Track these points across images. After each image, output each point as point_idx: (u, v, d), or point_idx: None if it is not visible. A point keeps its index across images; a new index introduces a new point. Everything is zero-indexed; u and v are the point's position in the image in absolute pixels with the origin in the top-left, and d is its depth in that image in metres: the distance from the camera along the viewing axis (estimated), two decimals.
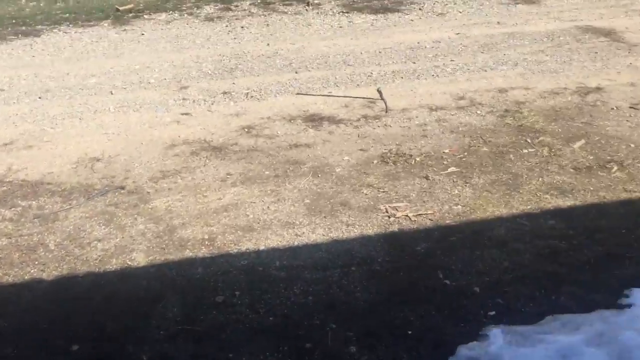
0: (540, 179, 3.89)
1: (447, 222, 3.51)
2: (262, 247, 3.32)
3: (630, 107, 4.81)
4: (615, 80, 5.36)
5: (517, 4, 7.92)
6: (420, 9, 7.79)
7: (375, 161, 4.21)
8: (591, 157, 4.11)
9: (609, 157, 4.10)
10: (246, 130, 4.72)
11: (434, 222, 3.51)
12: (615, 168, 3.96)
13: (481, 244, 3.28)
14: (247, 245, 3.34)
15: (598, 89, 5.19)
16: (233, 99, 5.30)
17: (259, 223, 3.54)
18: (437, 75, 5.66)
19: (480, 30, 6.90)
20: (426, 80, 5.56)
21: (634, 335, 2.35)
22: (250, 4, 8.26)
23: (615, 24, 6.94)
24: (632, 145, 4.23)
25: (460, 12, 7.61)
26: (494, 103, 5.02)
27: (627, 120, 4.61)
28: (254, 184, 3.96)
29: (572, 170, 3.97)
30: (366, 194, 3.81)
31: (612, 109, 4.81)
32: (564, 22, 7.08)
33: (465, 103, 5.05)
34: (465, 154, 4.25)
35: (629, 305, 2.69)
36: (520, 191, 3.77)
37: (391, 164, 4.16)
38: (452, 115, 4.85)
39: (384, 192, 3.84)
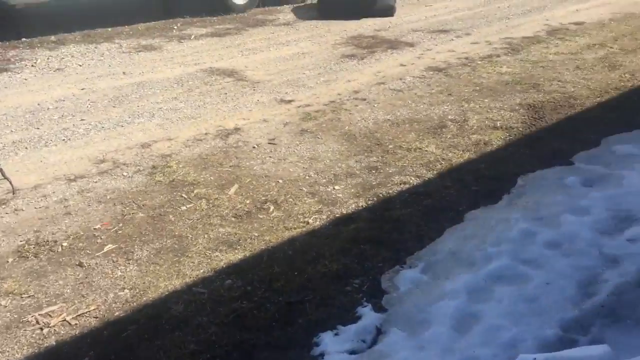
0: (206, 236, 3.67)
1: (117, 314, 3.00)
2: None
3: (269, 143, 5.00)
4: (249, 118, 5.55)
5: (139, 51, 7.73)
6: (33, 66, 6.93)
7: (10, 259, 3.41)
8: (248, 201, 4.08)
9: (263, 198, 4.13)
10: None
11: (100, 319, 2.96)
12: (272, 208, 4.01)
13: (161, 330, 2.88)
14: None
15: (236, 129, 5.29)
16: None
17: None
18: (69, 139, 5.02)
19: (107, 82, 6.46)
20: (57, 147, 4.87)
21: None
22: None
23: (235, 63, 7.31)
24: (281, 181, 4.36)
25: (81, 65, 7.03)
26: (139, 161, 4.66)
27: (270, 157, 4.76)
28: None
29: (233, 219, 3.87)
30: (6, 306, 3.02)
31: (254, 147, 4.93)
32: (188, 66, 7.14)
33: (107, 166, 4.56)
34: (121, 225, 3.78)
35: (322, 355, 2.63)
36: (189, 255, 3.49)
37: (32, 257, 3.43)
38: (96, 182, 4.31)
39: (29, 297, 3.11)
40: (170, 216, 3.89)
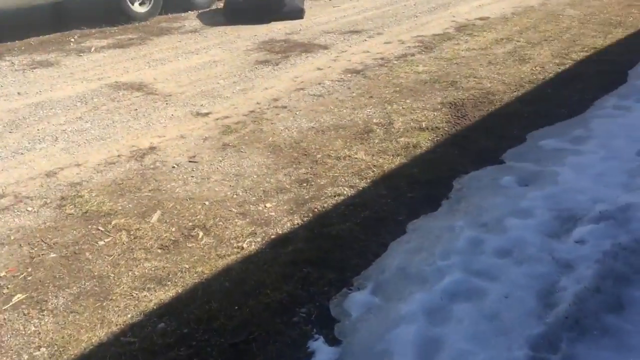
0: (130, 273, 3.31)
1: None
2: None
3: (190, 161, 4.65)
4: (164, 135, 5.16)
5: (34, 68, 7.08)
6: None
7: None
8: (174, 229, 3.73)
9: (190, 223, 3.80)
10: None
11: None
12: (201, 234, 3.68)
13: None
14: None
15: (152, 148, 4.89)
16: None
17: None
18: None
19: (0, 105, 5.83)
20: None
21: None
22: None
23: (143, 76, 6.85)
24: (207, 203, 4.04)
25: None
26: (45, 192, 4.18)
27: (192, 176, 4.42)
28: None
29: (160, 250, 3.52)
30: None
31: (174, 167, 4.57)
32: (91, 82, 6.61)
33: (8, 201, 4.05)
34: (30, 269, 3.34)
35: None
36: (113, 297, 3.11)
37: None
38: None
39: None
40: (87, 254, 3.48)
